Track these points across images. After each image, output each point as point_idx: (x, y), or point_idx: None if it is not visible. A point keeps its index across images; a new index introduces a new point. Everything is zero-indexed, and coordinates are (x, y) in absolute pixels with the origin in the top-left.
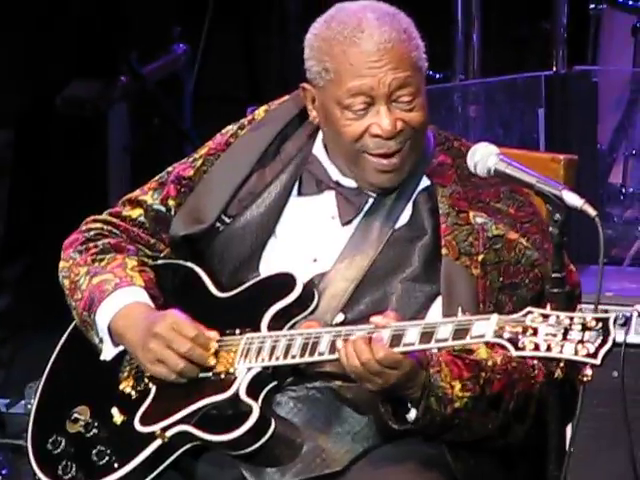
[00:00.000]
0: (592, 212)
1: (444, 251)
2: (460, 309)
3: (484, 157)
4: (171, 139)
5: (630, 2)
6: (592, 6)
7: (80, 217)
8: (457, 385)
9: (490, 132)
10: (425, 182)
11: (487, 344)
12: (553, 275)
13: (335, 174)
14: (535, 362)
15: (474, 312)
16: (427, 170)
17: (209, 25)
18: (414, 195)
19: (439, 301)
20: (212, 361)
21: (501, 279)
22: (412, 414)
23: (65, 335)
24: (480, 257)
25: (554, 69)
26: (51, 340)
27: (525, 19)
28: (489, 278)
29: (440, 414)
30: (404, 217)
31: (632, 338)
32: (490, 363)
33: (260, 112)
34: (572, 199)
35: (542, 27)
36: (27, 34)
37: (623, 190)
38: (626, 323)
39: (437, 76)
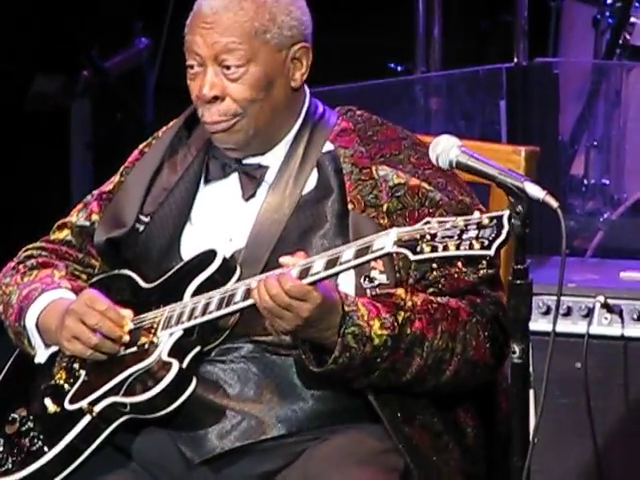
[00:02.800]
0: (554, 204)
1: (350, 206)
2: (373, 262)
3: (446, 149)
4: (134, 133)
5: None
6: None
7: (43, 208)
8: (375, 323)
9: (452, 124)
10: (328, 147)
11: (405, 287)
12: (515, 267)
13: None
14: (457, 302)
15: (386, 259)
16: (330, 137)
17: (170, 19)
18: (320, 160)
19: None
20: (126, 335)
21: (408, 224)
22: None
23: (15, 354)
24: (385, 207)
25: (515, 61)
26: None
27: (486, 12)
28: (396, 224)
29: (359, 353)
30: (311, 182)
31: (595, 329)
32: (409, 304)
33: (173, 121)
34: (534, 191)
35: (503, 20)
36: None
37: (585, 181)
38: (589, 314)
39: (399, 69)
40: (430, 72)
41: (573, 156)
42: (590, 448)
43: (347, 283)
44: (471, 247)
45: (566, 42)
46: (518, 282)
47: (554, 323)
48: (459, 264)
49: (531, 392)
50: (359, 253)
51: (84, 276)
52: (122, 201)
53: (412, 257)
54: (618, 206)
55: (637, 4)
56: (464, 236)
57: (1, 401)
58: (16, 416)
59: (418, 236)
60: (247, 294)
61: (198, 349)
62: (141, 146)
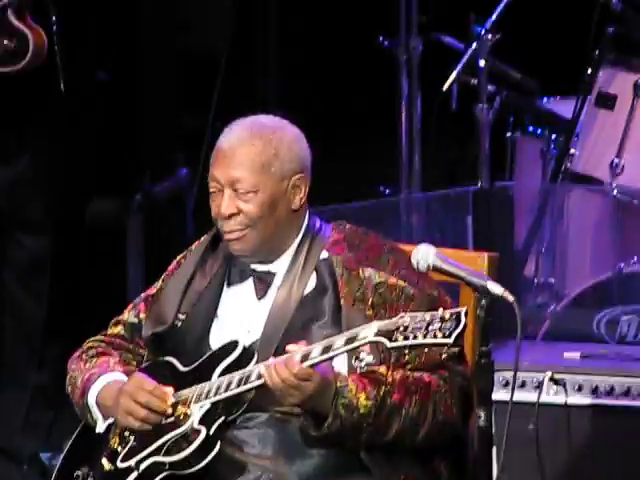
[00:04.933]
0: (511, 298)
1: (342, 301)
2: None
3: (425, 255)
4: (176, 244)
5: (538, 131)
6: (509, 134)
7: (104, 307)
8: (362, 396)
9: (429, 235)
10: (324, 254)
11: (387, 365)
12: (480, 349)
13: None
14: (429, 376)
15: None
16: (326, 246)
17: (205, 154)
18: (317, 266)
19: None
20: (169, 409)
21: (388, 314)
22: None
23: (80, 425)
24: (370, 301)
25: (479, 185)
26: None
27: (456, 144)
28: (379, 315)
29: (349, 420)
30: (311, 283)
31: (544, 398)
32: (390, 379)
33: (203, 237)
34: (495, 288)
35: (469, 151)
36: (67, 147)
37: (535, 280)
38: (539, 386)
39: (386, 191)
40: (412, 193)
41: (526, 260)
42: None
43: (341, 363)
44: (435, 336)
45: (520, 169)
46: (483, 361)
47: (512, 393)
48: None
49: (494, 448)
50: (348, 341)
51: (134, 362)
52: (163, 303)
53: (389, 345)
54: (562, 300)
55: (575, 138)
56: (430, 327)
57: (69, 462)
58: (80, 473)
59: (394, 328)
60: (260, 375)
61: (223, 418)
62: (179, 257)
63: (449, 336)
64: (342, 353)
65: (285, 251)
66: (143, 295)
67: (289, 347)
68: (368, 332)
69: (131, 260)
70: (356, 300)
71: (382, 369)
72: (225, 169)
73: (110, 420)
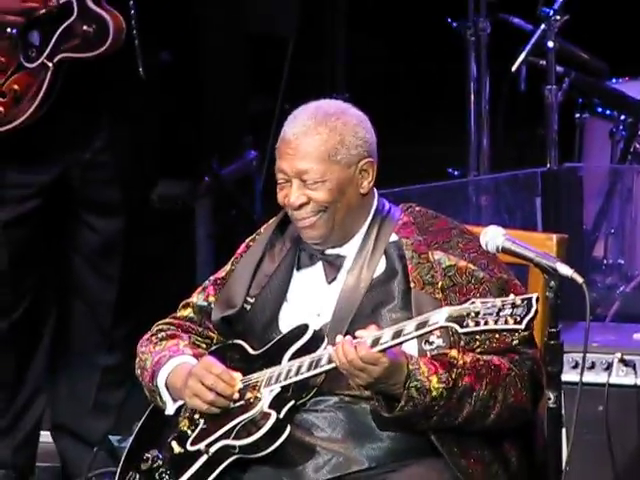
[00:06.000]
0: (580, 279)
1: (412, 285)
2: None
3: (493, 237)
4: (245, 227)
5: (607, 112)
6: (577, 115)
7: (172, 290)
8: (434, 379)
9: (498, 217)
10: (394, 237)
11: (457, 349)
12: (550, 330)
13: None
14: (499, 359)
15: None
16: (395, 229)
17: (273, 136)
18: (387, 249)
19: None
20: (236, 393)
21: (458, 297)
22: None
23: (149, 408)
24: (439, 284)
25: (548, 166)
26: None
27: (525, 126)
28: (449, 299)
29: (421, 402)
30: (380, 267)
31: (614, 379)
32: (461, 362)
33: (272, 222)
34: (564, 270)
35: (538, 132)
36: (138, 130)
37: (604, 261)
38: (609, 367)
39: (455, 173)
40: (480, 175)
41: (595, 241)
42: (611, 475)
43: (411, 346)
44: (506, 322)
45: (588, 150)
46: (552, 342)
47: (581, 375)
48: None
49: (563, 430)
50: (419, 326)
51: (204, 345)
52: (233, 286)
53: (460, 330)
54: (631, 281)
55: None
56: (501, 313)
57: (139, 444)
58: (149, 455)
59: (465, 313)
60: (330, 360)
61: (293, 402)
62: (247, 240)
63: (520, 322)
64: (413, 338)
65: (355, 234)
66: (212, 278)
67: (359, 332)
68: (439, 317)
69: (200, 242)
70: (426, 283)
71: (453, 352)
72: (291, 161)
73: (179, 402)
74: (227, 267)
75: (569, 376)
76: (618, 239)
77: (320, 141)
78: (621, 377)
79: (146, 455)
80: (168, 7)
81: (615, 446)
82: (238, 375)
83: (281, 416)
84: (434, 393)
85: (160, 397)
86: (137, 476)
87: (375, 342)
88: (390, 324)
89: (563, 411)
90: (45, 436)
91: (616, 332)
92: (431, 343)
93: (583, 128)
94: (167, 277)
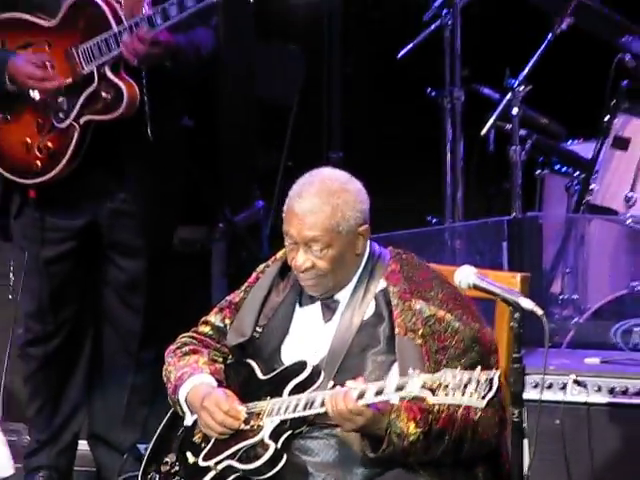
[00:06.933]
0: (540, 312)
1: (397, 330)
2: (411, 369)
3: (466, 275)
4: (254, 266)
5: (564, 169)
6: (538, 172)
7: (191, 319)
8: (411, 425)
9: (470, 258)
10: (382, 284)
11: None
12: (514, 355)
13: None
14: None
15: (421, 369)
16: (384, 275)
17: (279, 188)
18: (376, 295)
19: (396, 365)
20: (242, 425)
21: (436, 344)
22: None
23: (170, 412)
24: (420, 331)
25: (513, 215)
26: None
27: (493, 180)
28: (428, 345)
29: (400, 445)
30: (370, 310)
31: (568, 397)
32: (436, 409)
33: (279, 254)
34: (526, 303)
35: (504, 186)
36: (159, 183)
37: (561, 297)
38: (564, 387)
39: (434, 220)
40: (455, 223)
41: (553, 279)
42: (566, 478)
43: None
44: (471, 396)
45: (547, 202)
46: (515, 366)
47: (541, 393)
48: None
49: (525, 441)
50: (397, 388)
51: (220, 359)
52: (244, 317)
53: (431, 399)
54: (584, 313)
55: (595, 175)
56: (467, 389)
57: (159, 447)
58: (168, 460)
59: (436, 385)
60: (322, 403)
61: (290, 432)
62: (258, 270)
63: (483, 398)
64: (391, 398)
65: (349, 282)
66: (228, 299)
67: (348, 383)
68: (416, 384)
69: (215, 279)
70: (408, 330)
71: (430, 400)
72: (299, 230)
73: (195, 416)
74: (241, 294)
75: (530, 394)
76: (573, 277)
77: (324, 217)
78: (575, 395)
79: (165, 459)
80: (192, 82)
81: (570, 454)
82: (243, 409)
83: (279, 446)
84: (412, 438)
85: (181, 408)
86: (157, 477)
87: (361, 396)
88: (374, 366)
89: (525, 424)
90: (82, 444)
91: (570, 357)
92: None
93: (543, 183)
94: (187, 308)
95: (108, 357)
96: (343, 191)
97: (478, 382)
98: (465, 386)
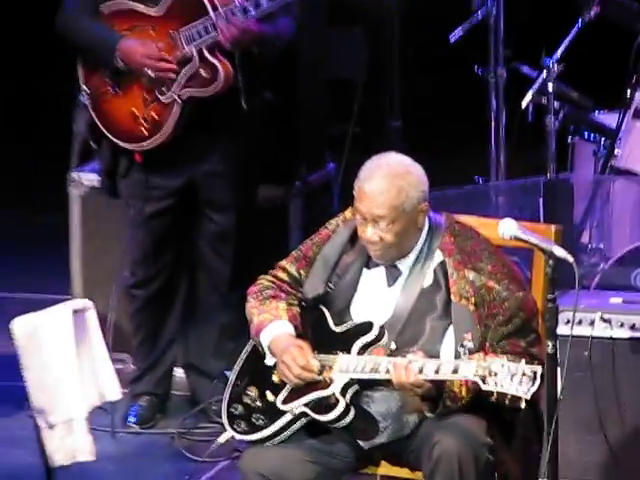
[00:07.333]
0: (570, 259)
1: (452, 297)
2: (466, 335)
3: (509, 228)
4: (326, 220)
5: (591, 137)
6: (569, 139)
7: (271, 267)
8: (463, 389)
9: (511, 213)
10: (439, 255)
11: (485, 352)
12: (548, 295)
13: None
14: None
15: (473, 333)
16: (440, 246)
17: (347, 152)
18: (433, 266)
19: (451, 329)
20: (316, 377)
21: (486, 311)
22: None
23: (251, 345)
24: (473, 299)
25: (548, 176)
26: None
27: (531, 146)
28: (480, 311)
29: (454, 407)
30: (428, 279)
31: (595, 332)
32: None
33: (347, 214)
34: (559, 252)
35: (541, 151)
36: (246, 148)
37: (589, 246)
38: (592, 323)
39: (480, 180)
40: (498, 182)
41: (582, 231)
42: (592, 404)
43: (450, 348)
44: (516, 390)
45: (577, 165)
46: (550, 305)
47: (572, 329)
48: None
49: (558, 370)
50: (454, 371)
51: (296, 303)
52: (317, 273)
53: (483, 387)
54: (609, 260)
55: (618, 142)
56: (513, 379)
57: (243, 374)
58: (250, 393)
59: (487, 372)
60: (387, 371)
61: (357, 387)
62: (329, 225)
63: (527, 392)
64: (447, 378)
65: (410, 252)
66: (302, 250)
67: (409, 356)
68: (469, 370)
69: (292, 231)
70: (462, 297)
71: (480, 357)
72: (368, 208)
73: (275, 360)
74: (313, 247)
75: (562, 330)
76: (599, 230)
77: (391, 197)
78: (601, 331)
79: (247, 391)
80: (274, 61)
81: (596, 382)
82: (317, 364)
83: (348, 401)
84: (464, 401)
85: (262, 349)
86: (239, 407)
87: (420, 370)
88: (432, 330)
89: (558, 355)
90: (178, 372)
91: (597, 298)
92: (464, 346)
93: (574, 148)
94: (268, 256)
95: (201, 298)
96: (407, 174)
97: (524, 374)
98: (512, 377)
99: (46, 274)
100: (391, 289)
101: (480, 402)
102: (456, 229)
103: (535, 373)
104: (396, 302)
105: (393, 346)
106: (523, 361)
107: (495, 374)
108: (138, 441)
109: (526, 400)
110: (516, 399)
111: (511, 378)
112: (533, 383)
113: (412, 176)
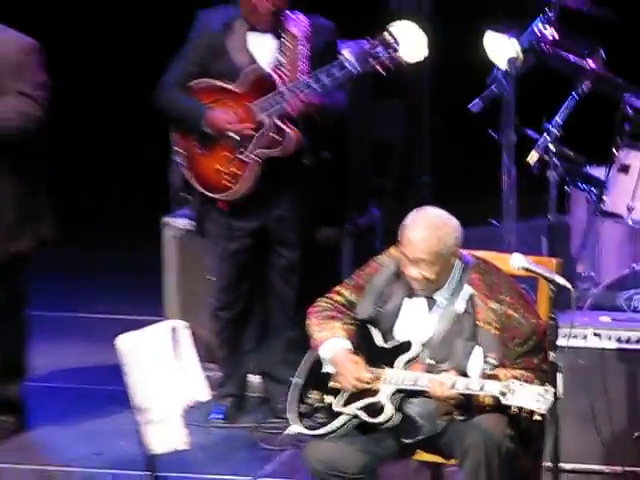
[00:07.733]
0: (569, 286)
1: (479, 323)
2: (490, 354)
3: (518, 260)
4: (371, 255)
5: (584, 186)
6: (567, 188)
7: (324, 292)
8: (487, 398)
9: (520, 248)
10: (468, 288)
11: (505, 367)
12: (550, 315)
13: None
14: (530, 375)
15: (496, 352)
16: (469, 281)
17: (387, 200)
18: (464, 297)
19: (477, 349)
20: (367, 386)
21: (506, 335)
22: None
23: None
24: (495, 324)
25: (550, 218)
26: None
27: (536, 194)
28: (501, 335)
29: (478, 411)
30: (460, 308)
31: (588, 344)
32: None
33: (392, 251)
34: (560, 280)
35: (544, 198)
36: (308, 197)
37: (582, 274)
38: (585, 337)
39: (494, 222)
40: (510, 223)
41: (577, 262)
42: (587, 400)
43: (475, 366)
44: (533, 405)
45: (573, 209)
46: (552, 322)
47: (568, 341)
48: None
49: (559, 374)
50: (481, 388)
51: (350, 322)
52: (368, 299)
53: (503, 401)
54: (599, 286)
55: (606, 190)
56: (530, 397)
57: (306, 382)
58: (312, 396)
59: (507, 390)
60: (425, 385)
61: (402, 395)
62: (376, 259)
63: (542, 407)
64: (474, 392)
65: (444, 285)
66: (355, 278)
67: (443, 375)
68: (493, 388)
69: (344, 267)
70: (487, 323)
71: (501, 374)
72: (412, 253)
73: (332, 369)
74: (365, 277)
75: (561, 342)
76: (591, 261)
77: (432, 245)
78: (593, 343)
79: (309, 394)
80: (331, 127)
81: (589, 384)
82: (368, 375)
83: (394, 407)
84: (487, 408)
85: (322, 360)
86: (303, 407)
87: (453, 385)
88: (461, 350)
89: (559, 362)
90: (253, 378)
91: (589, 316)
92: (488, 362)
93: (570, 195)
94: (324, 286)
95: (272, 319)
96: (445, 225)
97: (538, 393)
98: (529, 395)
99: (140, 301)
100: (430, 315)
101: (501, 406)
102: (481, 267)
103: (548, 390)
104: (434, 326)
105: (430, 362)
106: (537, 382)
107: (514, 391)
108: (223, 433)
109: (540, 414)
110: (531, 413)
111: (528, 396)
112: (546, 400)
113: (448, 227)
